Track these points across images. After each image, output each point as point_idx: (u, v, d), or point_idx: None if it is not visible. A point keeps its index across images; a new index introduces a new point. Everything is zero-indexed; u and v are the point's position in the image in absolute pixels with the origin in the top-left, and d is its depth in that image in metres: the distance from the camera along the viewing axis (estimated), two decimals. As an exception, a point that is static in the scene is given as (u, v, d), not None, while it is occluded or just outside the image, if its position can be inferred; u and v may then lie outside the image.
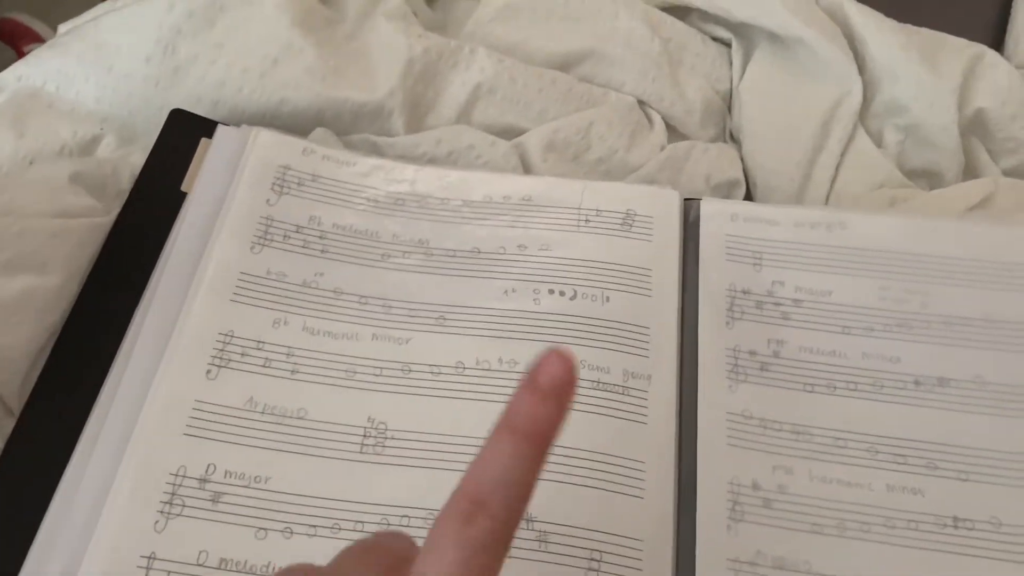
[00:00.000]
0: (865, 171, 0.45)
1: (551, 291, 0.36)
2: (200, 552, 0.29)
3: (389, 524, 0.30)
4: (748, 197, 0.45)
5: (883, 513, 0.33)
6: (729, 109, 0.48)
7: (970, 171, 0.46)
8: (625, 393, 0.34)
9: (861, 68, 0.45)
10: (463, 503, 0.18)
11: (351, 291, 0.36)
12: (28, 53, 0.44)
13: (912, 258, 0.38)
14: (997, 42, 0.50)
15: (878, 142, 0.46)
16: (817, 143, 0.45)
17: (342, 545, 0.29)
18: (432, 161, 0.41)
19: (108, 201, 0.37)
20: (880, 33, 0.45)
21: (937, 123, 0.44)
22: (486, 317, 0.35)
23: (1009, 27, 0.50)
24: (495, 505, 0.18)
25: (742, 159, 0.46)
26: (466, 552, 0.18)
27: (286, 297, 0.35)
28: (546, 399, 0.19)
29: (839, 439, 0.34)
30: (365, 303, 0.35)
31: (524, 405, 0.19)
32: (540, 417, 0.19)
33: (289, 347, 0.34)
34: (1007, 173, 0.46)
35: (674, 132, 0.47)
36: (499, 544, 0.18)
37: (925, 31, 0.47)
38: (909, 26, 0.47)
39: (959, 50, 0.46)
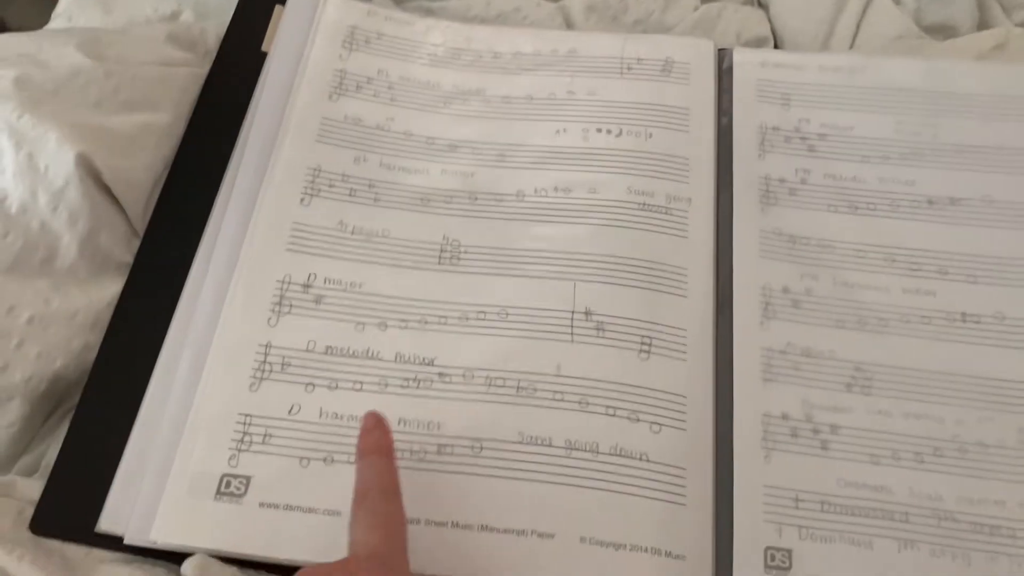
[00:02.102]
0: (884, 27, 0.48)
1: (599, 130, 0.40)
2: (309, 341, 0.34)
3: (468, 319, 0.35)
4: (775, 53, 0.48)
5: (899, 311, 0.37)
6: (756, -24, 0.51)
7: (984, 26, 0.49)
8: (668, 213, 0.38)
9: (881, -73, 0.48)
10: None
11: (420, 133, 0.40)
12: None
13: (928, 95, 0.42)
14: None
15: (896, 0, 0.49)
16: (839, 2, 0.48)
17: (430, 336, 0.34)
18: (483, 23, 0.45)
19: (199, 58, 0.41)
20: None
21: (952, -22, 0.47)
22: (541, 152, 0.40)
23: None
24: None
25: (769, 21, 0.49)
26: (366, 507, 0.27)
27: (363, 138, 0.39)
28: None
29: (859, 251, 0.38)
30: (432, 143, 0.40)
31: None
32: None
33: (370, 180, 0.38)
34: (1020, 26, 0.49)
35: (706, -2, 0.50)
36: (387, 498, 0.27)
37: None
38: None
39: (975, -94, 0.49)
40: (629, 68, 0.42)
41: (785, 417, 0.35)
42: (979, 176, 0.40)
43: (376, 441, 0.29)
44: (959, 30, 0.49)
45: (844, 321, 0.37)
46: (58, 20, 0.46)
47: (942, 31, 0.49)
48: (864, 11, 0.49)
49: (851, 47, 0.48)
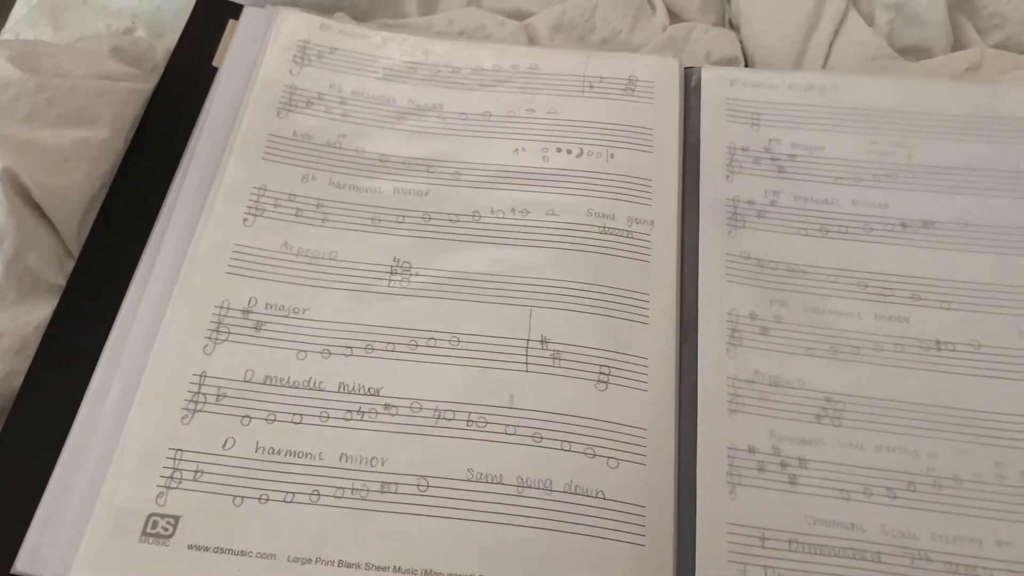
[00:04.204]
0: (857, 48, 0.47)
1: (559, 149, 0.39)
2: (247, 371, 0.32)
3: (417, 345, 0.33)
4: (746, 73, 0.47)
5: (871, 338, 0.35)
6: (727, -3, 0.50)
7: (958, 47, 0.48)
8: (629, 236, 0.36)
9: (853, -52, 0.47)
10: None
11: (372, 150, 0.38)
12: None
13: (901, 115, 0.41)
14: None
15: (869, 22, 0.48)
16: (812, 21, 0.47)
17: (377, 364, 0.32)
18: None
19: (146, 73, 0.39)
20: (870, -88, 0.46)
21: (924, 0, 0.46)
22: (498, 172, 0.38)
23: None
24: None
25: (740, 42, 0.48)
26: None
27: (312, 156, 0.38)
28: None
29: (830, 276, 0.37)
30: (385, 160, 0.38)
31: None
32: None
33: (318, 199, 0.37)
34: (995, 48, 0.48)
35: (676, 18, 0.49)
36: None
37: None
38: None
39: (947, -73, 0.48)
40: (591, 86, 0.40)
41: (751, 450, 0.33)
42: (953, 198, 0.39)
43: None
44: (933, 51, 0.48)
45: (814, 349, 0.35)
46: (6, 36, 0.44)
47: (916, 52, 0.48)
48: (836, 32, 0.47)
49: (823, 68, 0.47)
